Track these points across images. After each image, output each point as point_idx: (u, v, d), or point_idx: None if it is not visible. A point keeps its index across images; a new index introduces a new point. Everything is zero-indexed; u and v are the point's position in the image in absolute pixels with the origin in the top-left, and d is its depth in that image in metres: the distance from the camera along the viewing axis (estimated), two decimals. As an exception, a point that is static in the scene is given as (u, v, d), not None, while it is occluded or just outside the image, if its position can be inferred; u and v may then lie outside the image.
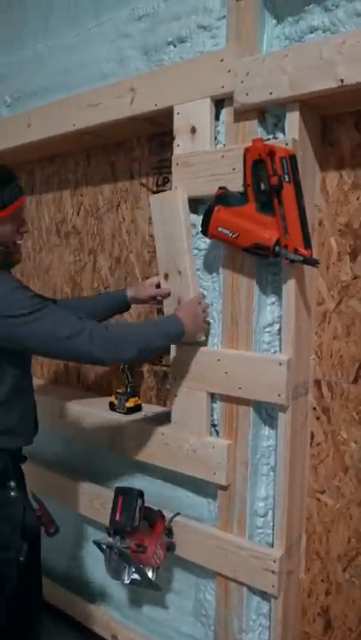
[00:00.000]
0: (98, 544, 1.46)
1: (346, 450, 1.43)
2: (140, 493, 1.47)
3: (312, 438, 1.48)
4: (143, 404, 1.77)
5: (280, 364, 1.32)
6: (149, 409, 1.76)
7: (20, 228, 1.33)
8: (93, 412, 1.77)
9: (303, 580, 1.52)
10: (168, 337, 1.37)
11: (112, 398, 1.75)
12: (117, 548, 1.44)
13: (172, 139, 1.63)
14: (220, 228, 1.31)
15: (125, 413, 1.71)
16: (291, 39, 1.32)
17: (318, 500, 1.50)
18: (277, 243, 1.24)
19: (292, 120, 1.26)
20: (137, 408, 1.73)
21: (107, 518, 1.65)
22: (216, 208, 1.32)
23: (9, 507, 1.30)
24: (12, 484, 1.31)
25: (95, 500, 1.78)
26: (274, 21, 1.34)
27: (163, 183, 1.72)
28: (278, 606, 1.42)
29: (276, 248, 1.25)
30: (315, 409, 1.47)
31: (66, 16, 1.80)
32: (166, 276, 1.48)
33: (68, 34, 1.79)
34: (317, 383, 1.46)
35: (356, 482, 1.41)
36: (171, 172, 1.65)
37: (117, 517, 1.43)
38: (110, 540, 1.46)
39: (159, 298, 1.52)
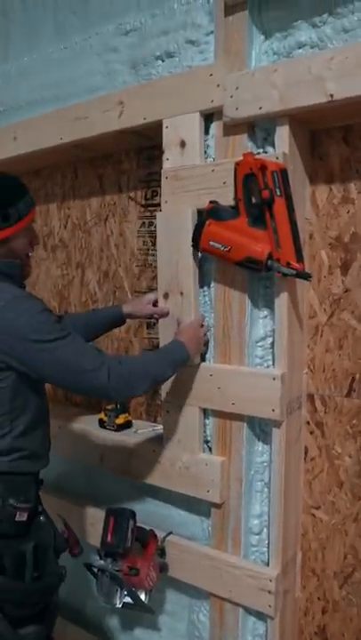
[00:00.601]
0: (88, 567, 1.42)
1: (340, 464, 1.41)
2: (133, 514, 1.44)
3: (306, 453, 1.47)
4: (133, 420, 1.74)
5: (274, 379, 1.30)
6: (140, 425, 1.73)
7: (32, 241, 1.30)
8: (82, 428, 1.73)
9: (299, 599, 1.50)
10: (175, 365, 1.32)
11: (101, 415, 1.72)
12: (109, 570, 1.40)
13: (161, 152, 1.62)
14: (211, 242, 1.30)
15: (115, 430, 1.68)
16: (279, 54, 1.32)
17: (313, 515, 1.48)
18: (270, 256, 1.24)
19: (282, 134, 1.26)
20: (127, 424, 1.70)
21: (97, 539, 1.61)
22: (207, 222, 1.30)
23: (41, 531, 1.25)
24: (40, 508, 1.28)
25: (85, 521, 1.74)
26: (262, 37, 1.34)
27: (151, 197, 1.71)
28: (275, 627, 1.39)
29: (269, 262, 1.24)
30: (308, 423, 1.46)
31: (52, 30, 1.79)
32: (166, 296, 1.45)
33: (55, 47, 1.77)
34: (310, 397, 1.45)
35: (351, 497, 1.40)
36: (160, 186, 1.65)
37: (109, 539, 1.39)
38: (102, 562, 1.42)
39: (156, 317, 1.49)
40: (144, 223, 1.73)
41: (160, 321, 1.48)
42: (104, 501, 1.78)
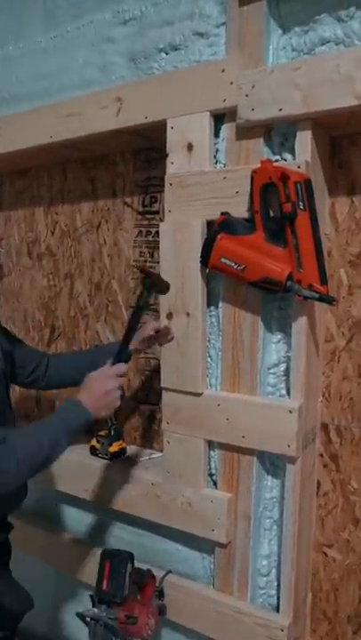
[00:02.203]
0: (81, 616, 1.28)
1: (356, 500, 1.30)
2: (130, 556, 1.30)
3: (318, 487, 1.35)
4: (127, 446, 1.60)
5: (290, 412, 1.17)
6: (135, 453, 1.59)
7: None
8: (71, 456, 1.58)
9: (310, 645, 1.38)
10: (72, 433, 1.08)
11: (93, 441, 1.57)
12: (104, 620, 1.26)
13: (161, 155, 1.48)
14: (223, 259, 1.17)
15: (109, 459, 1.53)
16: (299, 51, 1.19)
17: (325, 554, 1.36)
18: (290, 277, 1.11)
19: (304, 140, 1.13)
20: (121, 452, 1.56)
21: (85, 575, 1.48)
22: (219, 236, 1.17)
23: None
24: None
25: (72, 555, 1.60)
26: (280, 31, 1.21)
27: (150, 203, 1.56)
28: None
29: (288, 283, 1.11)
30: (322, 455, 1.34)
31: (40, 17, 1.62)
32: (170, 316, 1.31)
33: (44, 36, 1.61)
34: (325, 427, 1.33)
35: (369, 537, 1.29)
36: (160, 192, 1.52)
37: (104, 586, 1.25)
38: (95, 610, 1.27)
39: (160, 345, 1.34)
40: (141, 232, 1.59)
41: (163, 348, 1.34)
42: (93, 534, 1.64)
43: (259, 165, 1.12)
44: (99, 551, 1.50)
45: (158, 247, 1.53)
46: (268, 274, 1.12)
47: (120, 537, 1.60)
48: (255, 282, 1.14)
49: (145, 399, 1.62)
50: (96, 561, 1.54)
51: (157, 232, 1.54)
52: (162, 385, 1.36)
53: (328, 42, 1.15)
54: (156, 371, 1.58)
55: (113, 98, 1.37)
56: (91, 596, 1.28)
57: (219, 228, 1.17)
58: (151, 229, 1.56)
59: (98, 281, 1.69)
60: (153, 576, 1.39)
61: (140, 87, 1.33)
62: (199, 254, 1.23)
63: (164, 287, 1.21)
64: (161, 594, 1.40)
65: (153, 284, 1.20)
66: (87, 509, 1.67)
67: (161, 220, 1.54)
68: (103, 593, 1.25)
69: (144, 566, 1.44)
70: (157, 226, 1.53)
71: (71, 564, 1.62)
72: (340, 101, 1.06)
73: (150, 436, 1.63)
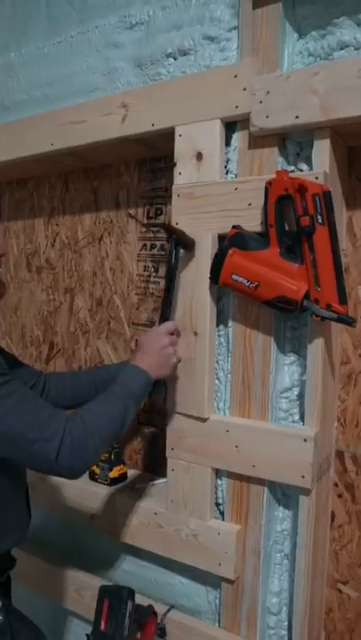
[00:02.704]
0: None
1: (375, 535, 1.21)
2: (131, 594, 1.20)
3: (333, 519, 1.26)
4: (128, 471, 1.51)
5: (305, 440, 1.09)
6: (137, 478, 1.50)
7: None
8: (71, 482, 1.49)
9: None
10: (137, 402, 1.05)
11: (93, 466, 1.48)
12: (101, 663, 1.16)
13: (167, 165, 1.43)
14: (234, 276, 1.09)
15: (109, 484, 1.44)
16: (316, 56, 1.13)
17: (340, 591, 1.27)
18: (306, 296, 1.03)
19: (322, 149, 1.06)
20: (122, 477, 1.47)
21: (81, 607, 1.39)
22: (230, 251, 1.09)
23: None
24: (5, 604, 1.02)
25: (68, 585, 1.50)
26: (295, 35, 1.14)
27: (155, 215, 1.49)
28: None
29: (305, 302, 1.03)
30: (336, 485, 1.25)
31: (43, 22, 1.56)
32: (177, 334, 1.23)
33: (47, 42, 1.55)
34: (340, 455, 1.24)
35: (388, 575, 1.20)
36: (165, 204, 1.45)
37: (102, 627, 1.15)
38: (92, 653, 1.18)
39: None
40: (145, 245, 1.51)
41: None
42: (91, 563, 1.55)
43: (274, 176, 1.05)
44: (97, 582, 1.42)
45: (164, 261, 1.47)
46: (283, 292, 1.04)
47: (120, 567, 1.51)
48: (269, 300, 1.06)
49: (148, 421, 1.54)
50: (93, 593, 1.45)
51: (163, 245, 1.48)
52: (167, 408, 1.28)
53: (347, 46, 1.09)
54: (160, 392, 1.50)
55: (118, 104, 1.30)
56: (88, 635, 1.19)
57: (230, 242, 1.10)
58: (156, 242, 1.49)
59: (99, 296, 1.62)
60: (154, 613, 1.30)
61: (147, 93, 1.27)
62: (208, 270, 1.15)
63: (189, 243, 1.16)
64: (163, 632, 1.30)
65: (179, 241, 1.15)
66: (85, 537, 1.58)
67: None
68: (101, 634, 1.15)
69: (145, 600, 1.35)
70: (163, 239, 1.47)
71: (66, 596, 1.52)
72: (360, 108, 0.99)
73: (152, 461, 1.54)
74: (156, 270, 1.49)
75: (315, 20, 1.12)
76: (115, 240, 1.57)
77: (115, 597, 1.17)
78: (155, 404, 1.51)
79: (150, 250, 1.50)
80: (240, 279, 1.08)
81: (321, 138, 1.06)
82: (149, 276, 1.51)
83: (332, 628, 1.28)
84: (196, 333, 1.20)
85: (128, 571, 1.49)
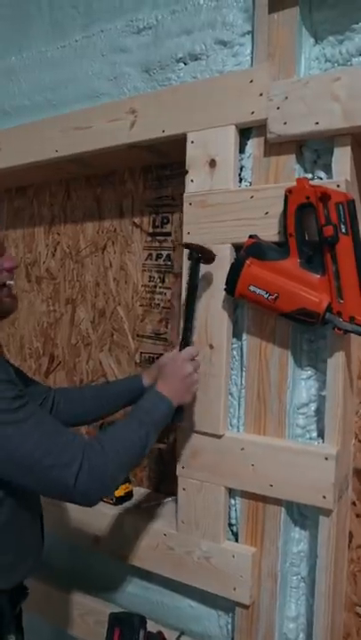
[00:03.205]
0: None
1: (395, 556, 1.17)
2: (142, 622, 1.14)
3: (350, 540, 1.21)
4: (133, 489, 1.45)
5: (326, 459, 1.04)
6: (143, 497, 1.44)
7: (4, 265, 1.00)
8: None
9: None
10: (158, 430, 1.01)
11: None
12: None
13: (174, 172, 1.39)
14: (252, 287, 1.04)
15: (114, 504, 1.38)
16: (333, 62, 1.10)
17: (358, 615, 1.22)
18: (329, 308, 0.99)
19: (343, 157, 1.03)
20: (128, 496, 1.41)
21: (86, 633, 1.32)
22: (247, 262, 1.05)
23: None
24: (12, 637, 0.95)
25: (72, 610, 1.43)
26: (312, 40, 1.12)
27: (161, 224, 1.44)
28: None
29: (328, 315, 0.99)
30: (354, 504, 1.20)
31: (47, 26, 1.52)
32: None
33: (50, 46, 1.51)
34: (358, 473, 1.20)
35: None
36: (172, 212, 1.41)
37: (113, 658, 1.09)
38: None
39: None
40: (151, 255, 1.47)
41: None
42: (96, 586, 1.48)
43: (294, 184, 1.01)
44: (102, 607, 1.36)
45: (170, 271, 1.43)
46: (304, 304, 1.00)
47: (126, 590, 1.44)
48: (289, 313, 1.02)
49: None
50: (97, 619, 1.39)
51: (169, 255, 1.43)
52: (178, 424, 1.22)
53: (366, 52, 1.06)
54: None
55: (126, 110, 1.26)
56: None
57: (247, 252, 1.06)
58: (162, 252, 1.45)
59: (102, 307, 1.56)
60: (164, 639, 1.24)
61: (156, 98, 1.23)
62: (224, 281, 1.10)
63: (210, 257, 1.11)
64: (173, 660, 1.24)
65: (199, 257, 1.10)
66: (88, 559, 1.51)
67: (173, 242, 1.42)
68: (112, 666, 1.08)
69: (151, 625, 1.28)
70: (169, 248, 1.43)
71: (72, 621, 1.45)
72: (385, 115, 0.96)
73: (159, 479, 1.48)
74: (163, 281, 1.45)
75: (332, 26, 1.09)
76: (119, 249, 1.53)
77: (126, 626, 1.11)
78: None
79: (156, 260, 1.46)
80: (258, 291, 1.04)
81: (342, 145, 1.03)
82: (155, 286, 1.47)
83: (351, 654, 1.23)
84: (211, 346, 1.15)
85: (134, 594, 1.43)
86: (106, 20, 1.40)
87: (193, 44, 1.24)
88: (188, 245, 1.11)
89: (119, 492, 1.39)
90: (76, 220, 1.60)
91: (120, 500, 1.39)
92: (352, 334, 1.04)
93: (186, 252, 1.14)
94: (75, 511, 1.41)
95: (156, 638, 1.23)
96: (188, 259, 1.11)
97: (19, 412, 0.84)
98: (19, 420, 0.83)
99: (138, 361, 1.50)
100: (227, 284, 1.09)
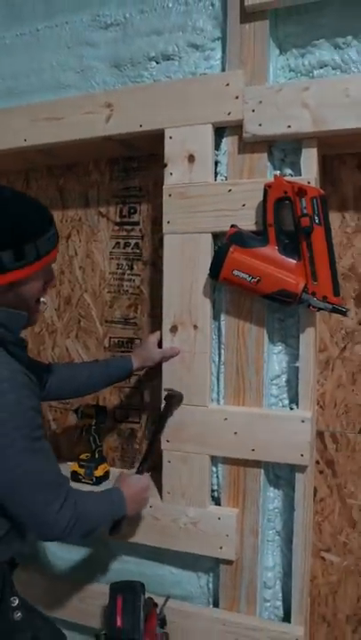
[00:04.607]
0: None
1: (353, 503, 1.35)
2: (142, 586, 1.22)
3: (315, 494, 1.38)
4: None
5: (303, 421, 1.19)
6: (117, 474, 1.49)
7: (48, 283, 1.04)
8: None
9: (310, 649, 1.40)
10: (108, 520, 1.15)
11: (75, 466, 1.46)
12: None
13: (141, 164, 1.46)
14: (235, 272, 1.16)
15: (95, 484, 1.44)
16: (297, 72, 1.23)
17: (323, 559, 1.40)
18: (305, 289, 1.13)
19: (311, 157, 1.17)
20: (106, 476, 1.47)
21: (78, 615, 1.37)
22: (231, 249, 1.16)
23: (15, 635, 0.98)
24: (15, 601, 0.99)
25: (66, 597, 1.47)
26: (277, 51, 1.24)
27: (129, 214, 1.51)
28: None
29: (304, 295, 1.13)
30: (318, 462, 1.37)
31: (2, 12, 1.50)
32: (174, 329, 1.26)
33: (8, 33, 1.49)
34: (320, 435, 1.37)
35: (366, 536, 1.34)
36: (140, 202, 1.49)
37: (119, 623, 1.16)
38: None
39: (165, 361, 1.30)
40: (118, 243, 1.52)
41: (164, 365, 1.30)
42: (76, 567, 1.52)
43: (271, 180, 1.14)
44: (89, 586, 1.41)
45: (138, 259, 1.50)
46: (283, 286, 1.13)
47: (109, 567, 1.50)
48: (270, 294, 1.15)
49: (124, 417, 1.55)
50: (84, 595, 1.44)
51: (137, 244, 1.50)
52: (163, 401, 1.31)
53: (326, 65, 1.21)
54: (136, 387, 1.53)
55: (101, 103, 1.31)
56: (98, 635, 1.18)
57: (230, 240, 1.17)
58: (130, 241, 1.51)
59: (68, 295, 1.59)
60: (155, 604, 1.32)
61: (133, 94, 1.29)
62: (208, 267, 1.21)
63: (181, 399, 1.29)
64: (163, 622, 1.33)
65: (177, 402, 1.29)
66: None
67: (141, 231, 1.49)
68: (118, 631, 1.15)
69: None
70: (138, 237, 1.50)
71: (57, 603, 1.48)
72: (349, 123, 1.11)
73: (130, 457, 1.56)
74: (131, 268, 1.51)
75: (296, 39, 1.22)
76: (84, 238, 1.56)
77: (128, 592, 1.18)
78: (132, 401, 1.53)
79: (124, 248, 1.52)
80: (241, 275, 1.15)
81: (309, 146, 1.17)
82: (123, 273, 1.53)
83: (317, 593, 1.41)
84: (195, 327, 1.25)
85: (115, 569, 1.49)
86: (69, 12, 1.42)
87: (166, 44, 1.31)
88: (169, 395, 1.28)
89: (99, 472, 1.45)
90: (37, 209, 1.60)
91: (100, 480, 1.44)
92: (320, 312, 1.20)
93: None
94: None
95: (147, 603, 1.32)
96: (165, 400, 1.29)
97: (36, 443, 0.93)
98: (35, 449, 0.93)
99: (107, 345, 1.56)
100: (211, 269, 1.20)
